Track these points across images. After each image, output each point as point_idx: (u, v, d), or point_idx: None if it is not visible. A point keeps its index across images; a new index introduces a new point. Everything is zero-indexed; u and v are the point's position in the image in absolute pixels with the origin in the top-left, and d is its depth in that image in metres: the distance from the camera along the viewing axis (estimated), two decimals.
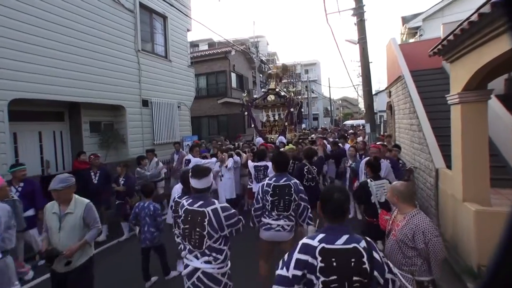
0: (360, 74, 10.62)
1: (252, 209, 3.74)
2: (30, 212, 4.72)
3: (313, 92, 39.49)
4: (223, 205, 2.61)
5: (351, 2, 9.81)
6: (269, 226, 3.59)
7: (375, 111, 23.99)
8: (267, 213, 3.62)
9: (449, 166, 5.19)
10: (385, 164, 5.05)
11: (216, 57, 17.21)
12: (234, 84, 17.34)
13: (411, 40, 15.53)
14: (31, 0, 6.25)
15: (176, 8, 10.29)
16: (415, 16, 15.44)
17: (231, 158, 6.85)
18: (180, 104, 11.08)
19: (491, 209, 3.95)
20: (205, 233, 2.49)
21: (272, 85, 10.08)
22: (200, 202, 2.54)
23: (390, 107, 12.83)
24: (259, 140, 8.75)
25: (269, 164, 5.38)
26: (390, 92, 12.26)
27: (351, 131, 15.93)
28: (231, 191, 6.78)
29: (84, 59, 7.44)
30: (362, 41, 9.83)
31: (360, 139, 10.29)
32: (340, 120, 50.92)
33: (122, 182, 6.27)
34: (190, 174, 2.67)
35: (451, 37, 4.06)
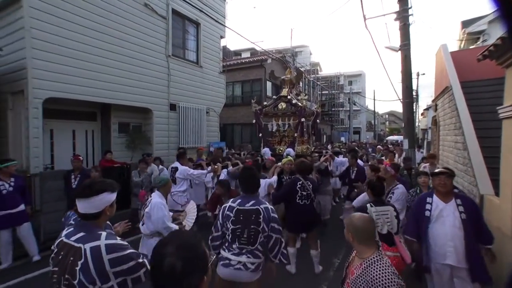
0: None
1: (210, 237, 2.92)
2: (22, 207, 4.85)
3: (355, 104, 37.99)
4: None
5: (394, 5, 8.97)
6: (227, 262, 2.79)
7: (426, 128, 22.45)
8: (226, 244, 2.85)
9: (497, 193, 4.30)
10: (400, 190, 4.35)
11: (252, 65, 17.06)
12: (269, 92, 17.02)
13: (472, 47, 13.98)
14: (67, 6, 6.68)
15: (210, 15, 10.39)
16: (477, 20, 13.94)
17: (225, 169, 6.05)
18: (209, 109, 11.15)
19: None
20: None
21: (284, 92, 9.09)
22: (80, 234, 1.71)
23: (435, 122, 11.63)
24: (266, 150, 7.96)
25: (263, 181, 4.68)
26: (436, 105, 11.11)
27: (389, 147, 14.45)
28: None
29: (116, 62, 7.77)
30: (405, 48, 9.00)
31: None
32: (385, 134, 48.57)
33: None
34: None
35: (504, 35, 3.32)
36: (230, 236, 2.80)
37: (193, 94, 10.35)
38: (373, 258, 1.88)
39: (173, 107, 9.52)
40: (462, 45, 14.93)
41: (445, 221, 2.96)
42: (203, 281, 1.06)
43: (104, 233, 1.69)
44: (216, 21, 10.91)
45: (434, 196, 3.10)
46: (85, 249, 1.60)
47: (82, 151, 8.06)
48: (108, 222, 1.93)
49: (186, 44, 10.39)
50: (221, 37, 11.87)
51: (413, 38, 8.71)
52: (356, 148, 13.57)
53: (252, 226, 2.75)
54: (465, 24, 14.64)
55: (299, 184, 4.32)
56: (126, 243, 1.73)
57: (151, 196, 3.63)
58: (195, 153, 8.84)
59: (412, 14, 8.67)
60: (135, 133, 8.96)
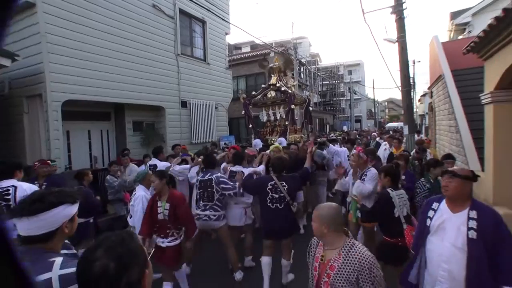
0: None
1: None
2: None
3: (355, 93, 38.42)
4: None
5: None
6: (198, 216, 4.19)
7: (423, 113, 22.99)
8: (196, 204, 4.32)
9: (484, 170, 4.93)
10: (372, 171, 4.21)
11: (255, 59, 17.51)
12: None
13: (460, 37, 14.62)
14: (80, 11, 6.92)
15: (215, 13, 10.67)
16: (464, 11, 14.46)
17: None
18: (218, 105, 11.48)
19: None
20: None
21: (273, 80, 8.67)
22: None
23: (431, 108, 12.23)
24: (256, 142, 7.74)
25: (246, 170, 4.63)
26: (431, 92, 11.70)
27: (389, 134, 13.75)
28: None
29: (128, 63, 8.04)
30: (401, 40, 9.56)
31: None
32: (385, 122, 49.03)
33: None
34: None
35: (481, 34, 3.91)
36: (198, 198, 4.25)
37: (202, 91, 10.67)
38: (349, 243, 1.91)
39: (184, 104, 9.84)
40: (451, 35, 15.46)
41: (445, 236, 2.22)
42: (144, 275, 1.00)
43: (58, 259, 1.28)
44: (221, 18, 11.17)
45: (444, 201, 2.35)
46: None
47: (98, 151, 8.40)
48: (66, 240, 1.55)
49: (194, 42, 10.67)
50: (226, 33, 12.13)
51: (408, 28, 9.22)
52: (357, 136, 13.91)
53: (209, 189, 4.17)
54: (454, 15, 15.14)
55: (270, 185, 3.73)
56: None
57: (135, 191, 4.11)
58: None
59: (406, 8, 9.21)
60: (149, 130, 9.26)
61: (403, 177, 4.55)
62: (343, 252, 1.87)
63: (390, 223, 3.25)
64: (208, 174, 4.24)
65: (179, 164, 5.84)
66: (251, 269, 4.47)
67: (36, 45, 6.31)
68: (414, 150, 7.36)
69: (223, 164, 5.19)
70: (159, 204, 3.54)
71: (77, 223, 1.52)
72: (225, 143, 10.85)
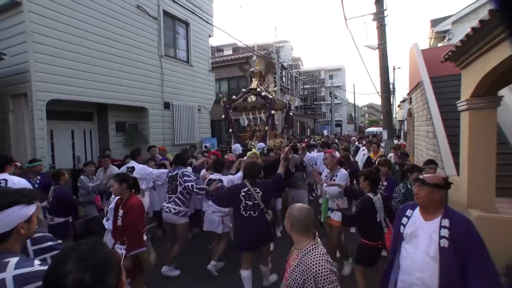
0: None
1: None
2: (45, 203, 4.94)
3: (336, 98, 39.11)
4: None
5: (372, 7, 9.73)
6: (163, 207, 4.52)
7: (402, 119, 23.69)
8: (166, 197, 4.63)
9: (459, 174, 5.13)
10: (342, 172, 4.38)
11: (238, 62, 17.54)
12: None
13: (440, 45, 15.10)
14: (66, 11, 6.94)
15: (198, 15, 10.78)
16: (445, 19, 14.88)
17: (189, 167, 5.49)
18: (200, 107, 11.58)
19: (493, 216, 3.91)
20: None
21: (253, 84, 8.56)
22: None
23: (410, 113, 12.61)
24: (236, 146, 7.72)
25: (225, 178, 4.59)
26: (411, 98, 12.07)
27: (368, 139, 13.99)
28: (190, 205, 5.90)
29: (111, 64, 8.05)
30: (382, 47, 9.81)
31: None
32: (365, 126, 50.11)
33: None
34: None
35: (458, 43, 4.08)
36: (167, 191, 4.65)
37: (185, 93, 10.74)
38: (309, 247, 1.92)
39: (167, 105, 9.89)
40: (432, 43, 15.99)
41: (418, 244, 2.21)
42: (121, 282, 0.96)
43: (14, 260, 1.27)
44: (205, 20, 11.29)
45: (417, 209, 2.33)
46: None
47: (81, 151, 8.37)
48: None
49: (177, 44, 10.74)
50: (209, 36, 12.27)
51: (389, 35, 9.51)
52: (336, 141, 14.00)
53: (174, 182, 4.51)
54: (434, 23, 15.65)
55: (243, 191, 3.56)
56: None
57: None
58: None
59: (387, 15, 9.48)
60: (132, 131, 9.28)
61: (385, 183, 4.70)
62: (300, 254, 1.93)
63: (372, 227, 3.31)
64: (176, 170, 4.63)
65: (158, 168, 5.81)
66: (234, 281, 4.08)
67: (21, 44, 6.31)
68: (391, 155, 7.57)
69: (202, 171, 5.11)
70: (120, 209, 3.40)
71: (35, 224, 1.49)
72: (205, 146, 10.83)
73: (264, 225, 3.56)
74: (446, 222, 2.10)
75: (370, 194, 3.35)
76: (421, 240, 2.18)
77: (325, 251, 1.93)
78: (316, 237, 2.00)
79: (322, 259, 1.84)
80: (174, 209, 4.37)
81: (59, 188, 4.55)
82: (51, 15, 6.63)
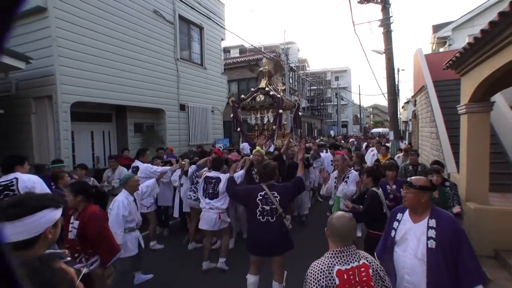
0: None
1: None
2: None
3: (342, 99, 39.48)
4: None
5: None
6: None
7: (407, 120, 23.98)
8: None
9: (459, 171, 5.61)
10: (354, 173, 4.49)
11: (247, 65, 17.99)
12: None
13: (441, 50, 15.55)
14: (88, 16, 7.27)
15: (212, 20, 11.11)
16: (446, 25, 15.44)
17: (193, 165, 5.48)
18: (214, 108, 11.91)
19: (487, 207, 4.48)
20: None
21: (262, 83, 8.68)
22: None
23: (415, 115, 13.05)
24: (244, 145, 7.73)
25: (223, 176, 4.44)
26: (415, 101, 12.51)
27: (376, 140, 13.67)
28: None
29: (130, 67, 8.37)
30: (388, 51, 10.20)
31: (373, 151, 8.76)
32: (370, 127, 50.37)
33: None
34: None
35: (458, 54, 4.55)
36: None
37: (199, 95, 11.07)
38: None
39: (182, 107, 10.22)
40: (434, 47, 16.45)
41: (407, 247, 2.22)
42: None
43: None
44: (218, 24, 11.63)
45: (407, 212, 2.35)
46: None
47: (100, 151, 8.68)
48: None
49: (192, 47, 11.09)
50: (222, 39, 12.60)
51: (393, 38, 9.91)
52: (343, 142, 14.18)
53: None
54: (436, 28, 16.13)
55: (260, 195, 3.29)
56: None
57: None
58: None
59: (393, 22, 9.92)
60: (149, 132, 9.59)
61: (394, 186, 4.43)
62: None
63: (379, 218, 3.44)
64: (213, 173, 4.60)
65: (164, 165, 5.91)
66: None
67: (46, 48, 6.58)
68: (399, 155, 7.84)
69: (202, 170, 5.02)
70: (72, 219, 3.03)
71: (60, 228, 1.45)
72: (212, 146, 11.08)
73: (283, 232, 3.26)
74: (432, 223, 2.15)
75: (374, 189, 3.58)
76: (410, 243, 2.21)
77: (325, 261, 1.80)
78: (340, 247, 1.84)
79: (315, 263, 1.82)
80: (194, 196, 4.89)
81: (55, 191, 4.29)
82: (75, 21, 6.92)
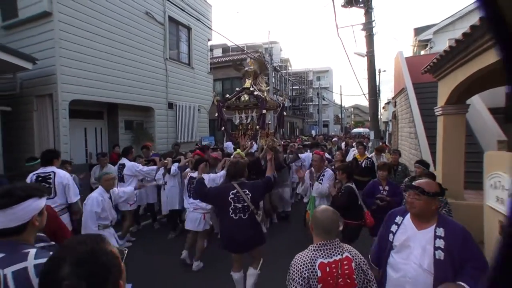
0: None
1: None
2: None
3: (324, 99, 40.23)
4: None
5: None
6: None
7: (387, 120, 24.68)
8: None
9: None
10: (329, 172, 4.62)
11: (232, 64, 18.18)
12: None
13: (422, 52, 16.09)
14: (90, 20, 7.64)
15: (200, 21, 11.45)
16: (427, 28, 15.96)
17: (176, 163, 5.66)
18: (200, 107, 12.28)
19: (462, 202, 4.86)
20: None
21: (247, 83, 8.79)
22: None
23: (395, 116, 13.66)
24: (228, 144, 7.87)
25: (206, 176, 4.37)
26: (395, 102, 13.10)
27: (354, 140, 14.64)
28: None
29: (122, 66, 8.69)
30: (370, 54, 10.69)
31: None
32: (351, 127, 51.49)
33: None
34: None
35: (435, 60, 4.96)
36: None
37: (187, 93, 11.44)
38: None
39: (171, 105, 10.57)
40: (415, 50, 17.11)
41: (410, 255, 2.03)
42: (119, 287, 0.92)
43: (32, 251, 1.33)
44: (206, 25, 12.05)
45: (408, 216, 2.17)
46: (4, 275, 1.22)
47: (93, 147, 8.97)
48: (42, 233, 1.65)
49: (180, 48, 11.44)
50: (209, 39, 13.01)
51: (375, 40, 10.38)
52: (324, 141, 14.45)
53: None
54: (417, 31, 16.80)
55: (232, 194, 3.36)
56: None
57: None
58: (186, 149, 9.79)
59: (375, 26, 10.41)
60: (138, 129, 9.92)
61: (386, 187, 4.41)
62: None
63: (355, 210, 4.04)
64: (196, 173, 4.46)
65: (147, 165, 6.00)
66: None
67: (49, 49, 6.95)
68: (372, 154, 7.89)
69: (186, 170, 5.15)
70: None
71: (46, 216, 1.57)
72: (197, 144, 11.15)
73: (256, 227, 3.42)
74: (440, 232, 1.96)
75: (349, 184, 4.08)
76: (413, 251, 2.01)
77: (308, 254, 1.83)
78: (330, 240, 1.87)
79: (298, 255, 1.87)
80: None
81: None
82: (76, 23, 7.29)
